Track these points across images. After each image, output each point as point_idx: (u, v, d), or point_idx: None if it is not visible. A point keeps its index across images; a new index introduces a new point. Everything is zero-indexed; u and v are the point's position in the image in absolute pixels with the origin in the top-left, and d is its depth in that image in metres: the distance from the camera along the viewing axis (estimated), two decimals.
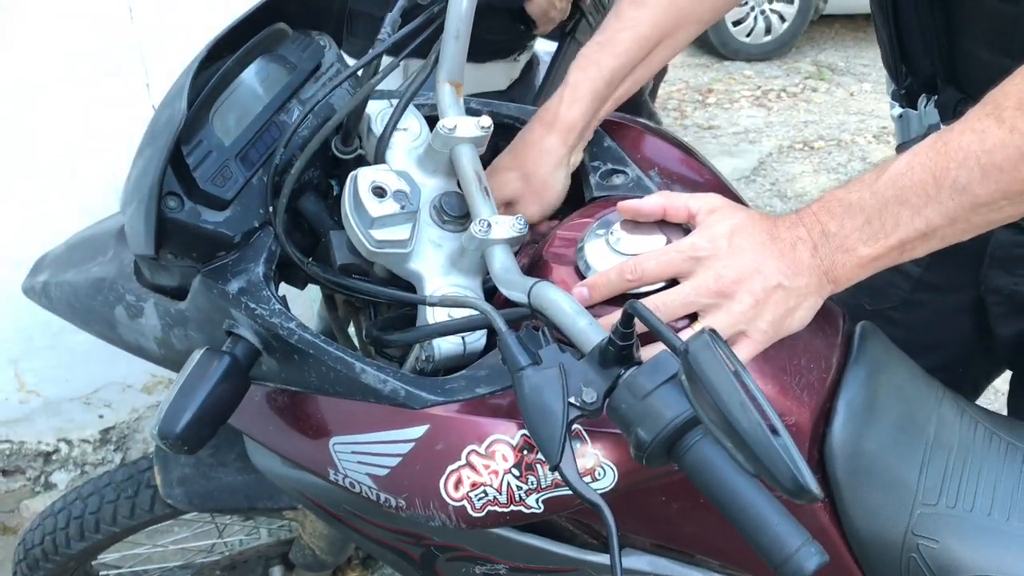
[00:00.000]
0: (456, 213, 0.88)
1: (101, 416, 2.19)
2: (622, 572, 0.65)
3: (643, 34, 0.95)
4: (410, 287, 0.88)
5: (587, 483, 0.66)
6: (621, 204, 0.82)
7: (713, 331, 0.57)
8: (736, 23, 5.59)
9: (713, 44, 5.62)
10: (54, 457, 2.18)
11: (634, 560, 0.92)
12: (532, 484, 0.75)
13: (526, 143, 0.95)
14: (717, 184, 0.97)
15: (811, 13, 5.75)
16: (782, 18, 5.68)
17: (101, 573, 1.62)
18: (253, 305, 0.83)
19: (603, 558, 0.92)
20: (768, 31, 5.68)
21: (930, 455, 0.83)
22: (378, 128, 0.91)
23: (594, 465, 0.75)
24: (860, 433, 0.81)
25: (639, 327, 0.65)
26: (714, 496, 0.63)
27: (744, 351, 0.75)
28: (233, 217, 0.86)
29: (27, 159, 1.83)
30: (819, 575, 0.86)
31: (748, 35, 5.66)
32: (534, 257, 0.89)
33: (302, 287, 1.02)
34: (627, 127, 1.01)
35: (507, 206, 0.94)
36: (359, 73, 0.92)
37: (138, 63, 1.79)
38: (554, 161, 0.93)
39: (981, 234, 1.05)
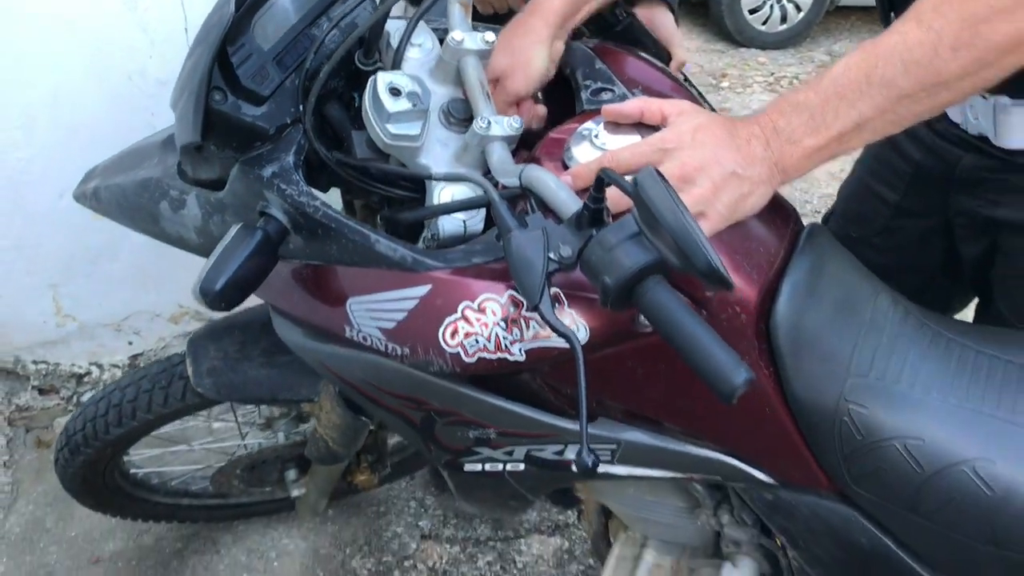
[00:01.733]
0: (461, 116, 1.00)
1: (131, 343, 2.33)
2: (588, 428, 0.77)
3: None
4: (420, 183, 1.01)
5: (563, 328, 0.79)
6: (605, 108, 0.95)
7: (657, 170, 0.69)
8: (752, 11, 5.67)
9: (729, 31, 5.71)
10: (86, 379, 2.32)
11: (607, 429, 1.04)
12: (516, 335, 0.88)
13: (514, 24, 1.06)
14: (694, 101, 1.09)
15: (827, 4, 5.82)
16: (798, 8, 5.76)
17: (131, 471, 1.76)
18: (284, 186, 0.96)
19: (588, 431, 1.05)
20: (784, 20, 5.76)
21: (864, 334, 0.95)
22: (395, 43, 1.04)
23: (570, 323, 0.88)
24: (802, 310, 0.93)
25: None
26: (667, 332, 0.75)
27: (703, 229, 0.87)
28: (269, 112, 0.99)
29: (67, 92, 1.96)
30: (764, 441, 0.99)
31: (764, 23, 5.74)
32: (527, 159, 1.02)
33: (325, 190, 1.15)
34: (618, 52, 1.13)
35: (496, 82, 1.06)
36: None
37: (176, 6, 1.92)
38: (536, 39, 1.05)
39: (952, 162, 1.18)
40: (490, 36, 1.01)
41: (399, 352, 0.92)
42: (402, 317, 0.91)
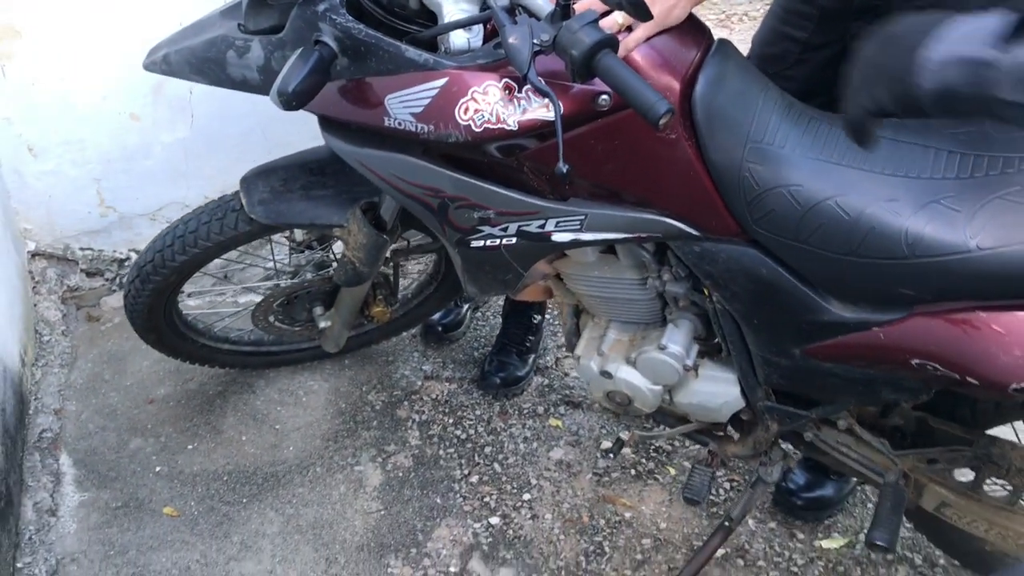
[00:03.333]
0: None
1: None
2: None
3: None
4: (432, 19, 1.34)
5: (546, 89, 1.12)
6: None
7: None
8: None
9: None
10: (126, 263, 2.63)
11: (577, 205, 1.38)
12: (510, 111, 1.22)
13: None
14: None
15: None
16: None
17: (184, 312, 2.09)
18: (334, 17, 1.29)
19: (558, 204, 1.39)
20: None
21: (758, 112, 1.29)
22: None
23: (549, 103, 1.22)
24: (713, 94, 1.27)
25: None
26: (615, 85, 1.09)
27: (641, 32, 1.22)
28: None
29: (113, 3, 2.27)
30: (690, 200, 1.32)
31: None
32: None
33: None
34: None
35: None
36: None
37: None
38: None
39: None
40: None
41: (427, 130, 1.26)
42: (428, 102, 1.25)
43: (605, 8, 1.20)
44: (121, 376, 2.33)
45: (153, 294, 1.88)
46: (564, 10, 1.13)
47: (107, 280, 2.62)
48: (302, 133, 2.30)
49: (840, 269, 1.29)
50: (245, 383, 2.33)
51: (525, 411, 2.28)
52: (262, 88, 1.48)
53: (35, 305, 2.47)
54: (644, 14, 1.04)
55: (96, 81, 2.36)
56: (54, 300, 2.51)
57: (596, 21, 1.10)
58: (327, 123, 1.46)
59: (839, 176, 1.27)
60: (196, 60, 1.55)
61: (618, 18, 1.22)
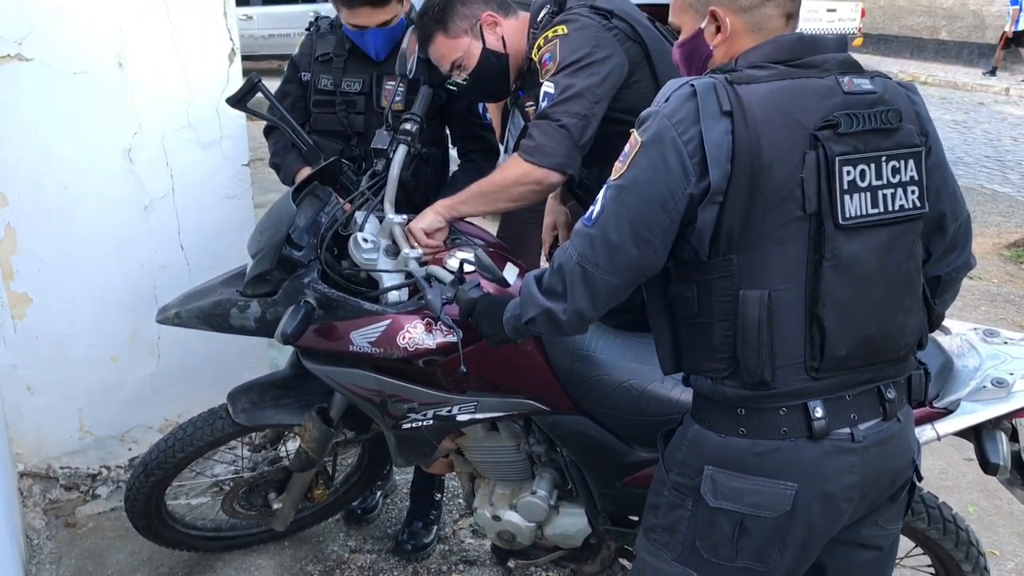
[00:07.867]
0: (394, 251, 2.04)
1: (130, 448, 3.10)
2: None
3: None
4: (374, 283, 2.03)
5: (451, 323, 1.80)
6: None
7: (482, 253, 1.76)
8: None
9: None
10: (98, 477, 3.05)
11: (473, 394, 2.03)
12: (430, 338, 1.90)
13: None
14: (497, 244, 2.18)
15: None
16: None
17: (167, 502, 2.55)
18: (315, 285, 1.96)
19: (460, 396, 2.03)
20: None
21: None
22: (359, 220, 2.08)
23: (453, 332, 1.89)
24: None
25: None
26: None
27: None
28: (304, 254, 2.00)
29: (101, 265, 2.87)
30: (543, 390, 2.01)
31: None
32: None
33: None
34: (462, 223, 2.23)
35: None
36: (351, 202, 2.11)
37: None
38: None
39: None
40: (404, 216, 2.07)
41: (378, 351, 1.91)
42: (378, 334, 1.91)
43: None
44: (102, 567, 2.72)
45: (152, 486, 2.37)
46: (460, 279, 1.84)
47: (82, 492, 3.02)
48: (243, 367, 2.92)
49: (637, 425, 1.97)
50: (207, 565, 2.75)
51: (432, 569, 2.80)
52: (256, 332, 2.11)
53: (22, 515, 2.85)
54: (503, 282, 1.76)
55: (85, 333, 2.90)
56: (38, 511, 2.90)
57: (479, 285, 1.81)
58: (304, 352, 2.09)
59: (630, 368, 1.99)
60: (204, 315, 2.16)
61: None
